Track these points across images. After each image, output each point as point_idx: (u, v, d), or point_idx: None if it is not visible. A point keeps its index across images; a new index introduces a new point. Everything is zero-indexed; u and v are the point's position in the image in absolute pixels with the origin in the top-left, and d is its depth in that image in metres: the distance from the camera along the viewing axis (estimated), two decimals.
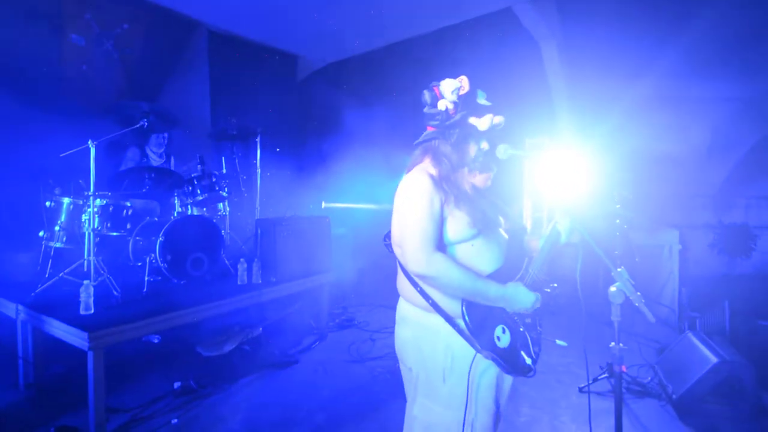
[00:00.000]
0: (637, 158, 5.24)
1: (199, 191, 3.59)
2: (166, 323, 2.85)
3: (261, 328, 3.46)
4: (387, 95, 5.07)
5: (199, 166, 3.58)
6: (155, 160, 3.95)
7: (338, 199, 4.98)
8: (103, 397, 2.52)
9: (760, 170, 6.05)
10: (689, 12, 4.65)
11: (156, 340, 3.43)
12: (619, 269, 1.66)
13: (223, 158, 4.11)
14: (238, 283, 3.40)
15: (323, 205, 4.74)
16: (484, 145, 1.61)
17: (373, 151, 4.41)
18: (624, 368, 1.66)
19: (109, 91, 4.49)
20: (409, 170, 1.62)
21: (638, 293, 1.63)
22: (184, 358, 3.32)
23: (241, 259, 3.44)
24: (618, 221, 3.51)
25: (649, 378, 3.10)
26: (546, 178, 1.70)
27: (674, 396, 2.79)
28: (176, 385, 2.98)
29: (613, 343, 1.67)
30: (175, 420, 2.68)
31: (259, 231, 3.60)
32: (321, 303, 3.99)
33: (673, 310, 4.64)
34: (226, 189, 3.74)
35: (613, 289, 1.63)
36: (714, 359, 2.75)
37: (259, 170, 4.16)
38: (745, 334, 3.97)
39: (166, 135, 4.02)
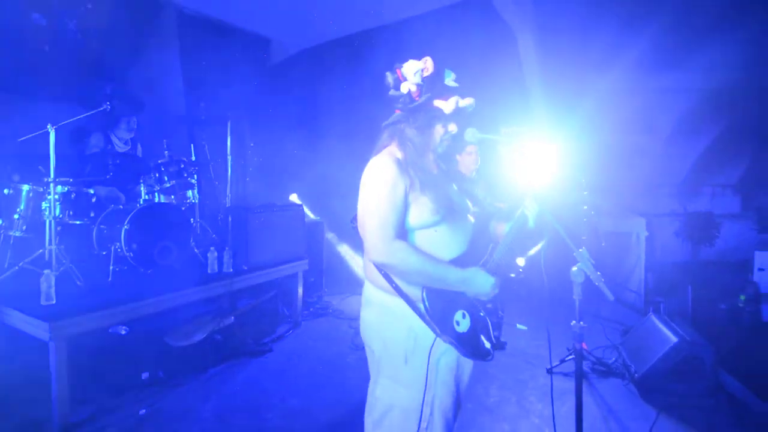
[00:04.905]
0: (606, 148, 5.36)
1: (166, 178, 3.49)
2: (132, 313, 2.78)
3: (233, 318, 3.41)
4: (363, 82, 5.02)
5: (165, 152, 3.48)
6: (120, 147, 3.82)
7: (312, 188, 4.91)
8: (67, 389, 2.45)
9: (723, 159, 6.27)
10: (656, 3, 4.76)
11: (123, 332, 3.34)
12: (580, 250, 1.69)
13: (191, 144, 4.00)
14: (208, 271, 3.34)
15: (292, 197, 4.68)
16: (452, 128, 1.59)
17: (349, 139, 4.37)
18: (584, 345, 1.71)
19: (71, 73, 4.29)
20: (376, 153, 1.60)
21: (598, 273, 1.68)
22: (153, 349, 3.24)
23: (212, 248, 3.37)
24: (585, 207, 3.59)
25: (614, 358, 3.21)
26: (517, 165, 1.72)
27: (637, 375, 2.90)
28: (144, 375, 2.92)
29: (574, 322, 1.72)
30: (143, 410, 2.63)
31: (230, 219, 3.53)
32: (295, 291, 3.96)
33: (640, 295, 4.80)
34: (195, 176, 3.66)
35: (574, 269, 1.67)
36: (674, 339, 2.85)
37: (230, 157, 4.08)
38: (707, 317, 4.16)
39: (135, 119, 3.89)
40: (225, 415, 2.62)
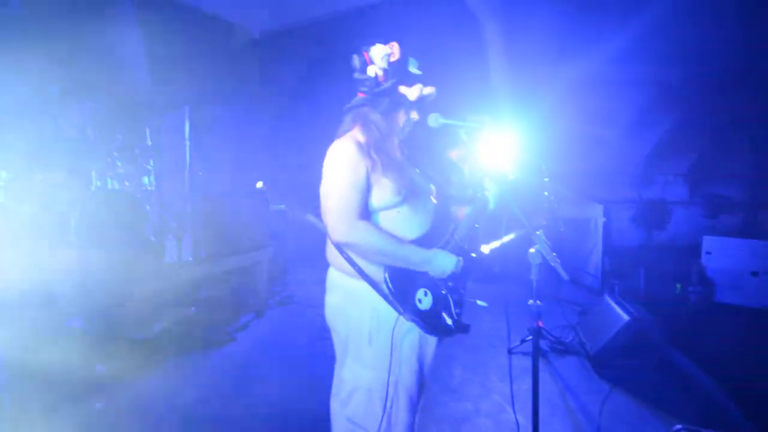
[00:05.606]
0: (567, 137, 5.53)
1: (119, 164, 3.33)
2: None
3: (193, 308, 3.32)
4: (327, 66, 4.95)
5: (119, 136, 3.31)
6: (69, 131, 3.60)
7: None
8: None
9: (675, 149, 6.60)
10: None
11: (78, 325, 3.19)
12: (537, 232, 1.75)
13: (147, 129, 3.81)
14: (167, 260, 3.23)
15: (259, 185, 4.57)
16: (414, 116, 1.61)
17: (314, 125, 4.29)
18: (541, 323, 1.77)
19: (16, 53, 3.99)
20: (339, 137, 1.59)
21: (554, 254, 1.74)
22: (110, 342, 3.12)
23: (169, 236, 3.26)
24: (546, 194, 3.69)
25: (571, 338, 3.35)
26: (480, 150, 1.75)
27: (591, 352, 3.04)
28: (99, 368, 2.80)
29: (531, 301, 1.77)
30: (100, 404, 2.53)
31: (189, 206, 3.42)
32: (259, 280, 3.90)
33: (597, 278, 5.01)
34: (151, 162, 3.51)
35: (532, 250, 1.73)
36: (626, 318, 3.00)
37: (188, 143, 3.92)
38: (658, 297, 4.41)
39: (85, 103, 3.67)
40: (187, 406, 2.55)
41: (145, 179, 3.57)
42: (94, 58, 4.36)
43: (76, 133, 3.66)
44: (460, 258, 1.56)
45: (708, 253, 4.66)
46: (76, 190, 3.38)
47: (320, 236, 1.63)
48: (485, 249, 1.89)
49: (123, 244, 3.14)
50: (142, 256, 3.22)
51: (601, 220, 5.23)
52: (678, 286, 4.48)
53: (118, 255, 3.12)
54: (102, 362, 2.86)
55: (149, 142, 3.74)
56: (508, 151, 1.73)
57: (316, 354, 3.15)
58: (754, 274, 4.30)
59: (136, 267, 3.07)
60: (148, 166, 3.53)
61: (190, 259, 3.29)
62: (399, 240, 1.49)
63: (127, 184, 3.44)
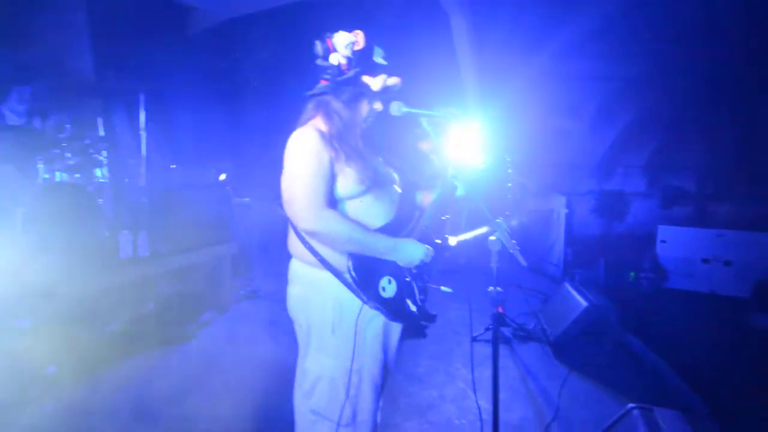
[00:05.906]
0: (532, 130, 5.64)
1: (69, 155, 3.14)
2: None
3: (152, 304, 3.20)
4: (291, 55, 4.83)
5: (66, 125, 3.12)
6: (13, 119, 3.38)
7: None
8: None
9: (634, 143, 6.85)
10: None
11: (25, 325, 3.01)
12: (498, 220, 1.77)
13: (99, 119, 3.61)
14: (121, 256, 3.08)
15: (222, 177, 4.42)
16: (377, 106, 1.60)
17: (278, 115, 4.18)
18: (501, 309, 1.80)
19: None
20: (301, 126, 1.56)
21: (513, 241, 1.77)
22: (62, 342, 2.96)
23: (124, 231, 3.11)
24: (510, 185, 3.77)
25: (533, 324, 3.44)
26: (448, 142, 1.75)
27: (552, 338, 3.13)
28: (50, 369, 2.66)
29: (491, 287, 1.80)
30: (50, 406, 2.41)
31: (146, 199, 3.28)
32: (222, 275, 3.79)
33: (559, 267, 5.16)
34: (104, 153, 3.33)
35: (492, 238, 1.75)
36: (584, 304, 3.11)
37: (143, 133, 3.75)
38: (617, 285, 4.60)
39: (29, 89, 3.44)
40: (143, 406, 2.46)
41: (98, 171, 3.38)
42: (40, 40, 4.10)
43: (21, 121, 3.43)
44: (429, 247, 1.56)
45: (663, 241, 4.88)
46: (22, 183, 3.18)
47: (287, 230, 1.59)
48: (453, 241, 1.91)
49: (74, 239, 2.97)
50: (95, 252, 3.06)
51: (564, 211, 5.38)
52: (632, 274, 4.68)
53: (68, 251, 2.96)
54: (53, 363, 2.72)
55: (102, 133, 3.55)
56: (475, 143, 1.74)
57: (281, 349, 3.10)
58: (705, 261, 4.54)
59: (89, 263, 2.92)
60: (101, 158, 3.34)
61: (147, 254, 3.16)
62: (366, 228, 1.48)
63: (77, 176, 3.25)
